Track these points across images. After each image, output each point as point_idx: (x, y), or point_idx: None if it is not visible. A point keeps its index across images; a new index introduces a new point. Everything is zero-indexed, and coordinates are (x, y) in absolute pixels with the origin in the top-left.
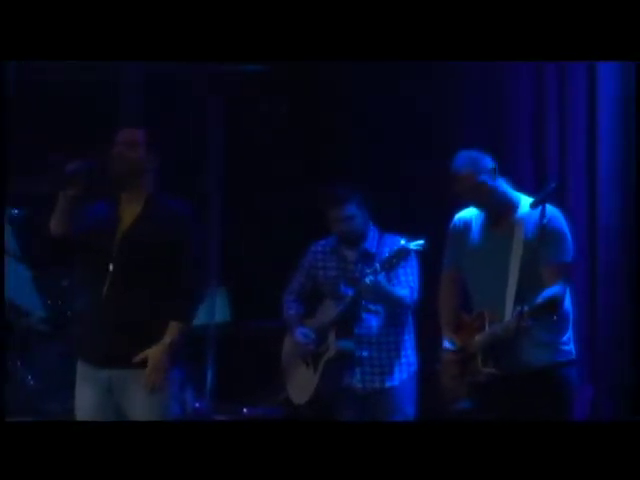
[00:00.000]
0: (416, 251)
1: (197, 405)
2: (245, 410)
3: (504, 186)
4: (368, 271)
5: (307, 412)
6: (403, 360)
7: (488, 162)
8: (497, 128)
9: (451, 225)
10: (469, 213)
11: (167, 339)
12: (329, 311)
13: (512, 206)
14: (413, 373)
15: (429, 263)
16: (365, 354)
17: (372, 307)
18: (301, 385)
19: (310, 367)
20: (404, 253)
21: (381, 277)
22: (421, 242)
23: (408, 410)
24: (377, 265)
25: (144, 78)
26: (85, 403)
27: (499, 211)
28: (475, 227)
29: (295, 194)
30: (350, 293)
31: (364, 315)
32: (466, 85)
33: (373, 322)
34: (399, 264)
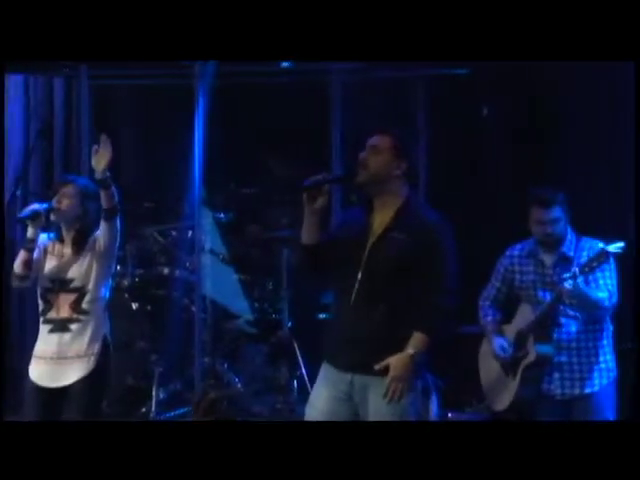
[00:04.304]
0: (615, 254)
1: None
2: (450, 415)
3: None
4: (567, 275)
5: (508, 417)
6: (603, 365)
7: None
8: None
9: None
10: None
11: (410, 350)
12: (526, 316)
13: None
14: (613, 379)
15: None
16: (564, 359)
17: (571, 312)
18: (500, 391)
19: (509, 373)
20: (604, 256)
21: (580, 281)
22: (621, 245)
23: (608, 416)
24: (576, 269)
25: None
26: (321, 404)
27: None
28: None
29: (501, 197)
30: (548, 298)
31: (563, 320)
32: None
33: (573, 327)
34: (598, 268)
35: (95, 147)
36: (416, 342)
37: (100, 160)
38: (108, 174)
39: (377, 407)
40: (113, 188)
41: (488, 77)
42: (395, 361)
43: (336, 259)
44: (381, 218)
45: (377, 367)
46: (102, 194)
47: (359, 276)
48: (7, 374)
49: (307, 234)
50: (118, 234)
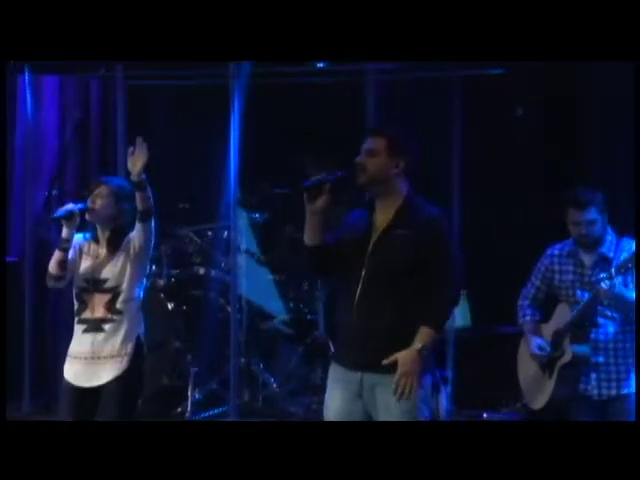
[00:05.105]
0: None
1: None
2: (485, 415)
3: None
4: (604, 276)
5: (545, 417)
6: None
7: None
8: None
9: None
10: None
11: (418, 345)
12: (564, 316)
13: None
14: None
15: None
16: (601, 360)
17: (609, 313)
18: (537, 390)
19: (546, 372)
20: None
21: (618, 282)
22: None
23: None
24: (612, 270)
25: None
26: (334, 404)
27: None
28: None
29: (535, 198)
30: (586, 298)
31: (601, 320)
32: None
33: (610, 328)
34: (634, 268)
35: (131, 149)
36: (423, 336)
37: (136, 162)
38: (144, 176)
39: (386, 405)
40: (149, 190)
41: (523, 77)
42: (403, 356)
43: (340, 259)
44: (383, 217)
45: (385, 362)
46: (137, 196)
47: (363, 274)
48: (39, 374)
49: (309, 234)
50: (152, 236)
